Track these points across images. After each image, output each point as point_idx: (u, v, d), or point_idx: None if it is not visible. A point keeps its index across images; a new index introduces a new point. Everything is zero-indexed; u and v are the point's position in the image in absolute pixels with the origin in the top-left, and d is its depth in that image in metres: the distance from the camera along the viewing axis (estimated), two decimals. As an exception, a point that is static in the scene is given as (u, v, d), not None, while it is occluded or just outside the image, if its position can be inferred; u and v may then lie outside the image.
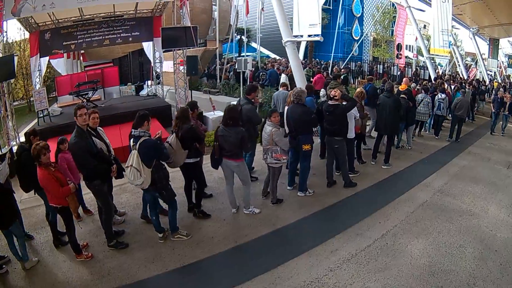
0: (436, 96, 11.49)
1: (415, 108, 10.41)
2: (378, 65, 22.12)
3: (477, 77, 25.55)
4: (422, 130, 11.96)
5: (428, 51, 20.06)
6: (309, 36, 12.12)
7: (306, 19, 12.24)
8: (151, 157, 4.66)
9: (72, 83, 11.86)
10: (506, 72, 29.13)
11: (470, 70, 26.30)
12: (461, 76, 21.99)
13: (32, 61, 10.81)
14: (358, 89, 8.89)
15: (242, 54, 35.76)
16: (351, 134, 7.28)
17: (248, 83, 15.89)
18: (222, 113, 11.01)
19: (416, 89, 11.54)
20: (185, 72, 11.95)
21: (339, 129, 6.64)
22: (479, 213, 6.51)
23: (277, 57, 30.92)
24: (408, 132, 10.14)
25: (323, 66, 22.07)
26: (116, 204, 6.01)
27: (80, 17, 11.00)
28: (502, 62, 29.16)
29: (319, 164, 8.05)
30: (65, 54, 14.56)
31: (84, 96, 11.24)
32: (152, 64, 14.38)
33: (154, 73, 14.37)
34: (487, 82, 21.84)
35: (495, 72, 27.64)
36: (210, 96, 12.73)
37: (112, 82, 14.51)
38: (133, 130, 4.73)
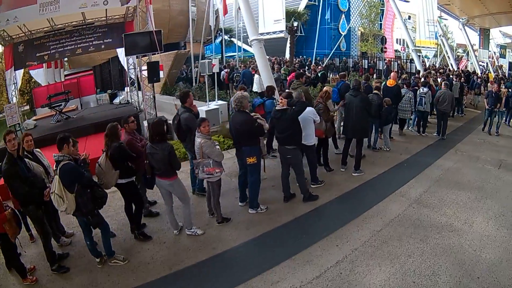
0: (418, 91, 10.48)
1: (396, 106, 9.53)
2: (363, 60, 21.05)
3: (468, 69, 24.58)
4: (405, 127, 10.87)
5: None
6: (274, 33, 11.08)
7: (271, 15, 11.28)
8: (72, 182, 4.36)
9: (49, 94, 11.81)
10: (498, 62, 28.05)
11: (460, 61, 25.13)
12: (450, 68, 20.90)
13: (7, 74, 10.77)
14: (324, 88, 7.96)
15: (227, 55, 35.40)
16: (309, 140, 6.42)
17: (221, 85, 15.06)
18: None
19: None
20: (147, 78, 11.15)
21: (290, 136, 5.81)
22: (461, 228, 5.49)
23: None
24: (384, 132, 9.09)
25: (307, 63, 20.99)
26: (65, 225, 5.60)
27: (51, 28, 10.86)
28: (494, 52, 28.14)
29: (280, 175, 6.98)
30: (44, 64, 14.24)
31: (56, 108, 11.05)
32: (127, 71, 13.62)
33: (128, 79, 13.59)
34: (479, 74, 20.72)
35: (487, 63, 26.60)
36: (175, 102, 11.77)
37: (89, 90, 14.39)
38: (54, 154, 4.45)
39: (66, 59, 17.44)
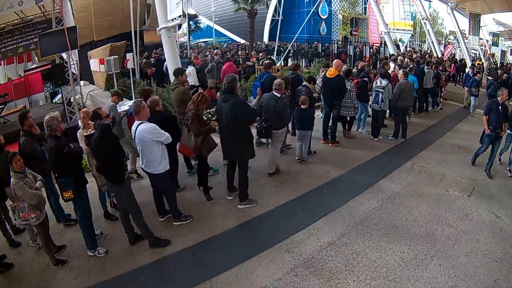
0: (374, 83, 7.79)
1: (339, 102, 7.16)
2: (333, 45, 18.29)
3: (457, 56, 21.66)
4: (353, 128, 8.19)
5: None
6: (173, 20, 8.47)
7: (174, -2, 8.77)
8: None
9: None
10: (490, 50, 24.87)
11: (445, 47, 21.86)
12: (436, 55, 17.98)
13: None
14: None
15: (203, 40, 32.77)
16: (155, 167, 4.41)
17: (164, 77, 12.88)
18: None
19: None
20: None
21: (101, 169, 4.22)
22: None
23: (242, 41, 27.80)
24: (298, 139, 6.50)
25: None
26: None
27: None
28: (487, 40, 25.11)
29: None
30: (3, 62, 13.77)
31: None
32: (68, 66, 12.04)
33: (71, 75, 11.55)
34: (469, 63, 17.60)
35: (478, 52, 23.56)
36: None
37: (37, 88, 13.33)
38: None
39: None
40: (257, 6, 18.37)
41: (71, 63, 11.57)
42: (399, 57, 11.75)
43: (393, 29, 16.91)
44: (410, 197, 5.28)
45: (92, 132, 4.01)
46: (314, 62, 17.60)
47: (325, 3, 27.72)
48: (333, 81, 6.97)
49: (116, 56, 10.52)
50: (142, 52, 17.83)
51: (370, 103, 7.94)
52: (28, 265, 4.21)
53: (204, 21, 34.53)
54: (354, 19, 16.29)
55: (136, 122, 4.26)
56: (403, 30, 17.77)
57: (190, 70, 10.86)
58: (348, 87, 7.13)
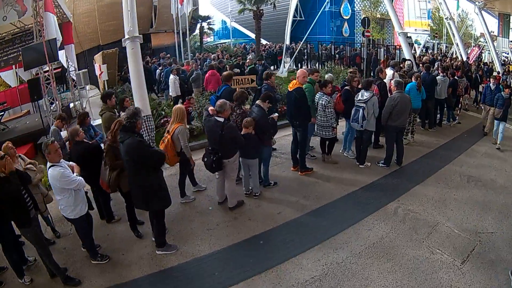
0: (356, 96, 6.16)
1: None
2: (347, 47, 16.52)
3: (486, 60, 19.04)
4: (340, 149, 6.69)
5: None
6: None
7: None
8: None
9: (6, 99, 11.38)
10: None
11: (470, 50, 19.10)
12: (460, 58, 15.61)
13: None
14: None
15: (219, 42, 31.62)
16: (67, 212, 3.89)
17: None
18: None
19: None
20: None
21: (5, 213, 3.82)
22: None
23: (264, 42, 26.47)
24: (244, 171, 5.19)
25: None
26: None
27: (-7, 37, 10.37)
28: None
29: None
30: (13, 66, 13.29)
31: (-6, 118, 10.12)
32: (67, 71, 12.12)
33: (70, 81, 11.75)
34: (499, 69, 15.08)
35: (510, 56, 20.43)
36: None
37: (41, 94, 12.78)
38: None
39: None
40: (263, 6, 16.92)
41: (70, 69, 11.57)
42: (407, 62, 9.85)
43: (409, 29, 14.80)
44: (374, 262, 3.76)
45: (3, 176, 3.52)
46: (325, 66, 15.95)
47: (347, 3, 25.72)
48: (289, 96, 5.58)
49: (86, 70, 10.19)
50: (151, 55, 17.28)
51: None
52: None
53: (228, 22, 33.49)
54: (366, 18, 14.33)
55: (48, 164, 3.72)
56: (419, 30, 15.61)
57: (172, 79, 9.89)
58: (323, 102, 5.65)
